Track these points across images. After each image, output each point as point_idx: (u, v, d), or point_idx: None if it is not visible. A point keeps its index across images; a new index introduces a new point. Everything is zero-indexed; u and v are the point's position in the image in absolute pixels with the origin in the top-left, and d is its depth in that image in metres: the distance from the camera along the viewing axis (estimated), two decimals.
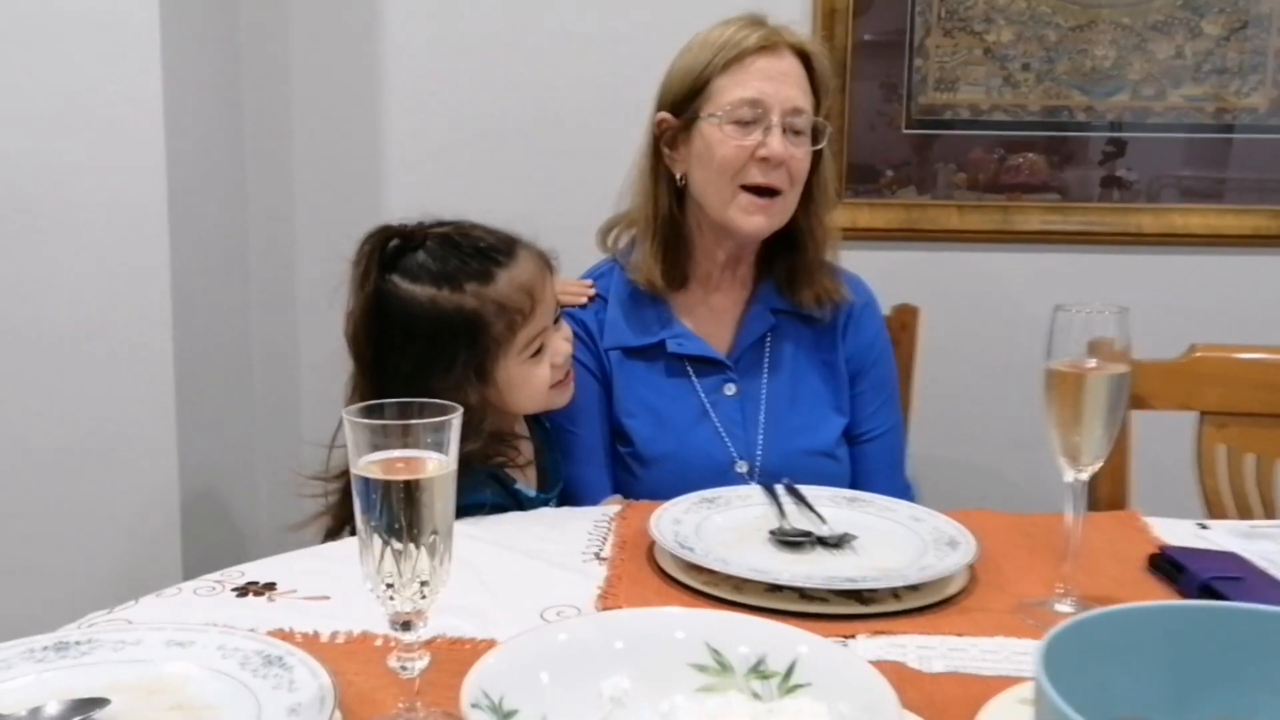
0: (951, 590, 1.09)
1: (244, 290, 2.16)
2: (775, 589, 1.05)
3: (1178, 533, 1.28)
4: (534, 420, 1.49)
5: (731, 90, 1.45)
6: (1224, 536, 1.27)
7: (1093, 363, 1.02)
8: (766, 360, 1.54)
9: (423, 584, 0.78)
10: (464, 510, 1.28)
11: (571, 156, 2.12)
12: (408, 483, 0.76)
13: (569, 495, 1.50)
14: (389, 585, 0.77)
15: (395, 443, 0.76)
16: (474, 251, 1.31)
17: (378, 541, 0.77)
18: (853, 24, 2.08)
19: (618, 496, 1.48)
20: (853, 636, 1.00)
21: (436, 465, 0.77)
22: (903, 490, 1.56)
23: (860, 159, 2.13)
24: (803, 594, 1.05)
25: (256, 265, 2.17)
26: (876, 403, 1.58)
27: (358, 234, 2.12)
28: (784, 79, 1.45)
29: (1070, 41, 2.09)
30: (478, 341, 1.29)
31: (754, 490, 1.31)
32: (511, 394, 1.35)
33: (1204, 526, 1.31)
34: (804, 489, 1.31)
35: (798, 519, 1.23)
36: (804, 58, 1.48)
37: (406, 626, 0.79)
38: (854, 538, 1.17)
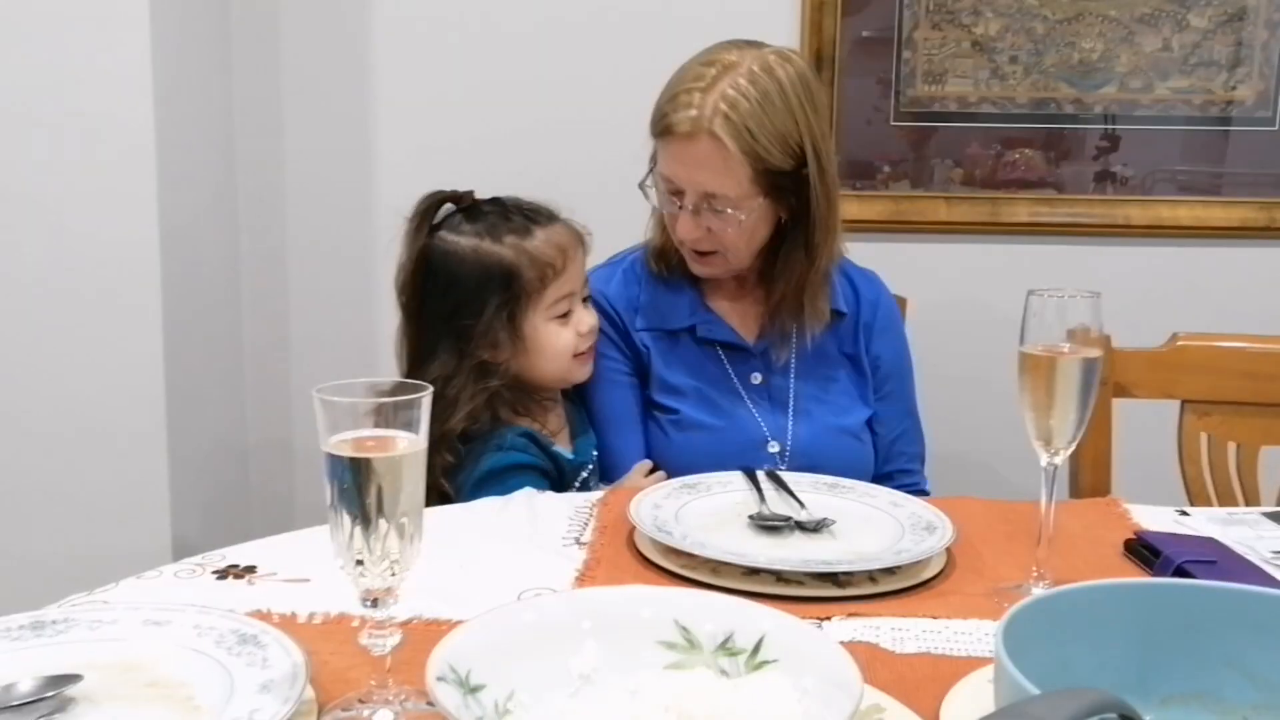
0: (928, 574, 1.10)
1: (235, 280, 2.16)
2: (752, 572, 1.05)
3: (1158, 519, 1.28)
4: (566, 397, 1.55)
5: (661, 158, 1.47)
6: (1203, 523, 1.28)
7: (1066, 347, 1.03)
8: (793, 352, 1.55)
9: (393, 562, 0.79)
10: (506, 471, 1.38)
11: (566, 152, 2.13)
12: (378, 460, 0.77)
13: (604, 466, 1.54)
14: (359, 562, 0.78)
15: (366, 421, 0.77)
16: (516, 210, 1.44)
17: (347, 519, 0.77)
18: (841, 18, 2.08)
19: (648, 462, 1.52)
20: (828, 619, 1.00)
21: (407, 444, 0.78)
22: (920, 475, 1.61)
23: (853, 153, 2.14)
24: (779, 577, 1.06)
25: (247, 257, 2.18)
26: (899, 400, 1.61)
27: (349, 227, 2.17)
28: (698, 166, 1.42)
29: (1058, 34, 2.09)
30: (510, 287, 1.39)
31: (735, 476, 1.31)
32: (537, 354, 1.44)
33: (1184, 513, 1.32)
34: (785, 475, 1.31)
35: (777, 504, 1.24)
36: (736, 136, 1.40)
37: (376, 604, 0.80)
38: (832, 522, 1.18)
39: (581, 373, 1.50)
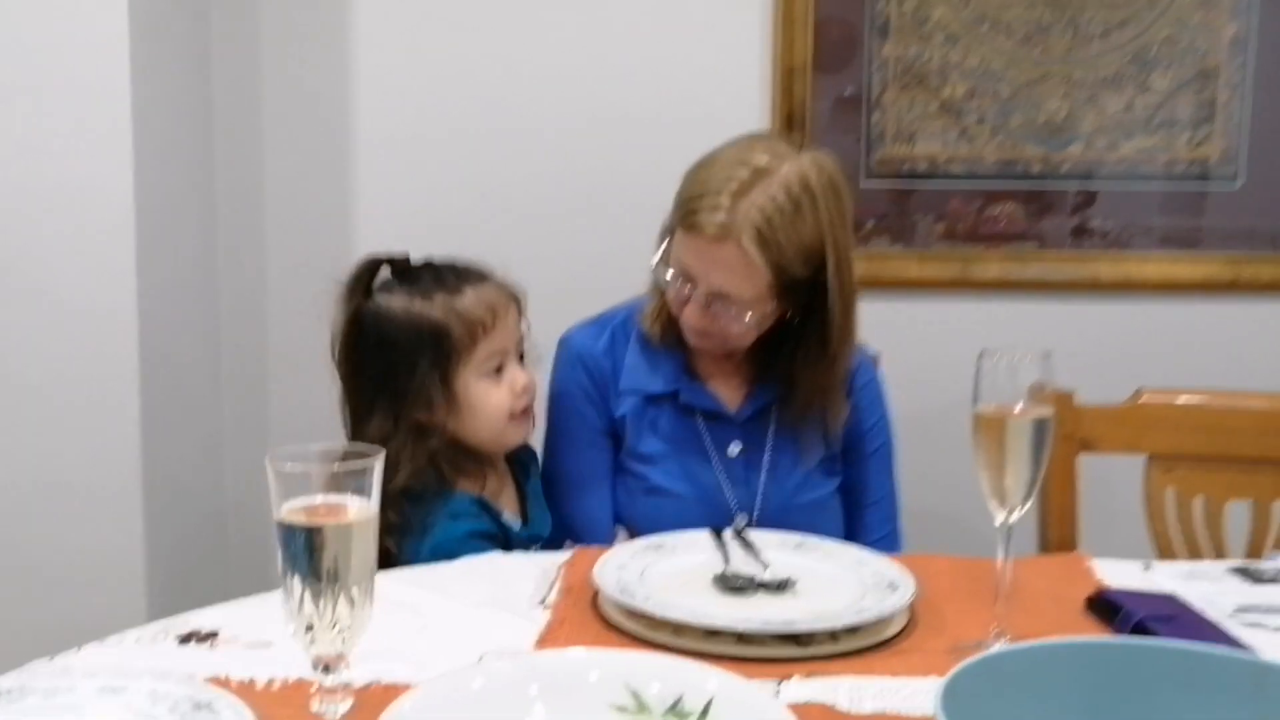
0: (889, 632, 1.10)
1: (213, 304, 2.17)
2: (714, 634, 1.06)
3: (1122, 574, 1.29)
4: (514, 463, 1.55)
5: (680, 246, 1.45)
6: (1166, 578, 1.29)
7: (1018, 407, 1.04)
8: (773, 425, 1.55)
9: (343, 628, 0.80)
10: (460, 543, 1.37)
11: (545, 164, 2.14)
12: (329, 528, 0.78)
13: (571, 527, 1.53)
14: (309, 628, 0.78)
15: (316, 487, 0.78)
16: (449, 270, 1.45)
17: (298, 585, 0.78)
18: (811, 81, 2.12)
19: (621, 529, 1.52)
20: (788, 678, 1.01)
21: (357, 510, 0.79)
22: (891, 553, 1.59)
23: None
24: (740, 637, 1.06)
25: (226, 279, 2.18)
26: (874, 471, 1.61)
27: (328, 244, 2.18)
28: (719, 268, 1.40)
29: (1023, 96, 2.14)
30: (440, 346, 1.40)
31: (701, 536, 1.32)
32: (471, 413, 1.43)
33: (1147, 567, 1.33)
34: (753, 534, 1.32)
35: (742, 564, 1.24)
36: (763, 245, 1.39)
37: (328, 669, 0.80)
38: (795, 582, 1.19)
39: (517, 435, 1.48)
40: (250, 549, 2.22)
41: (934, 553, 1.67)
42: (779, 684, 1.00)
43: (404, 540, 1.38)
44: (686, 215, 1.42)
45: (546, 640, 1.08)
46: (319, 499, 0.78)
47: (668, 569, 1.24)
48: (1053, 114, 2.14)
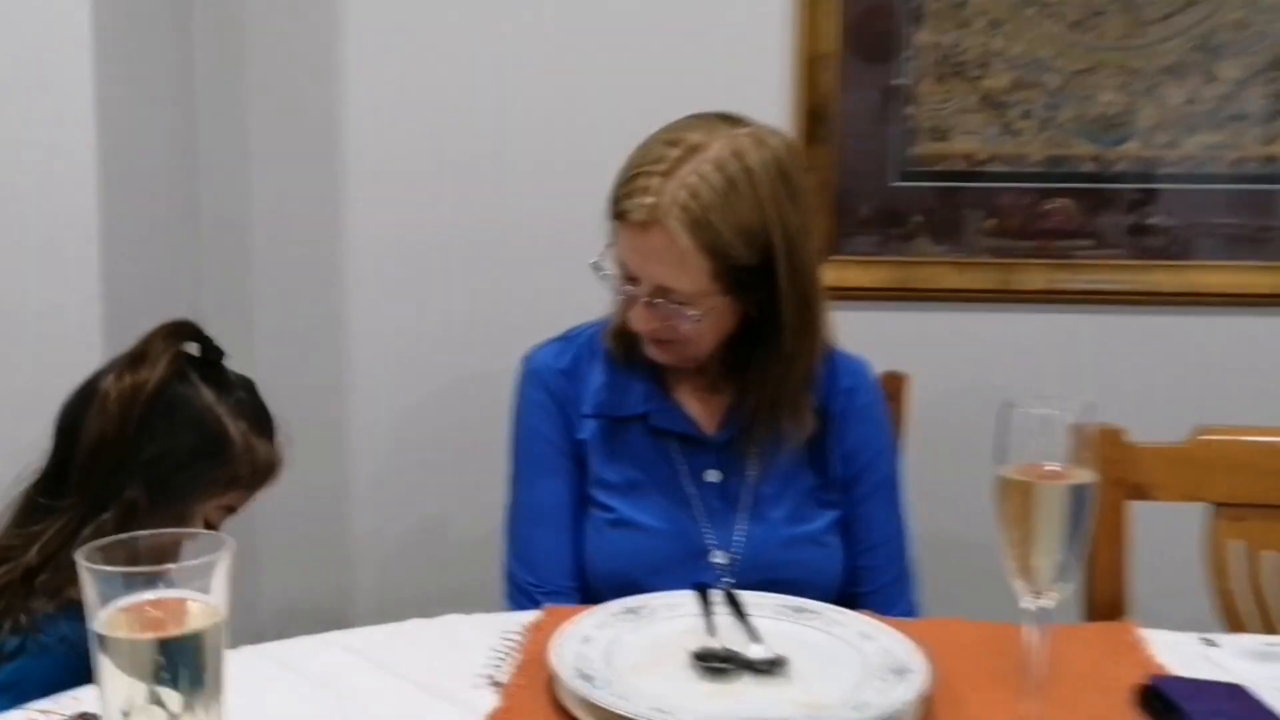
0: None
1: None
2: None
3: (1179, 651, 1.10)
4: None
5: (616, 241, 1.31)
6: (1233, 658, 1.10)
7: (1052, 467, 0.86)
8: (755, 446, 1.37)
9: None
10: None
11: (537, 163, 2.00)
12: (165, 640, 0.62)
13: (530, 564, 1.38)
14: None
15: (146, 586, 0.62)
16: (257, 405, 1.29)
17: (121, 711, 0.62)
18: (839, 71, 1.93)
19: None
20: None
21: (202, 612, 0.63)
22: (905, 599, 1.42)
23: (854, 215, 1.98)
24: None
25: (210, 290, 2.05)
26: (878, 506, 1.43)
27: (317, 243, 2.04)
28: (652, 259, 1.26)
29: (1074, 87, 1.93)
30: (218, 471, 1.23)
31: (686, 598, 1.15)
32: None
33: (1210, 642, 1.13)
34: (746, 595, 1.15)
35: (731, 634, 1.07)
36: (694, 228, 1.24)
37: None
38: (787, 662, 1.01)
39: None
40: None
41: (964, 600, 1.49)
42: None
43: None
44: (616, 203, 1.28)
45: None
46: (149, 596, 0.62)
47: (642, 640, 1.07)
48: (1107, 107, 1.93)
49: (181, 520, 1.20)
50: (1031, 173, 1.96)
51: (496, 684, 1.01)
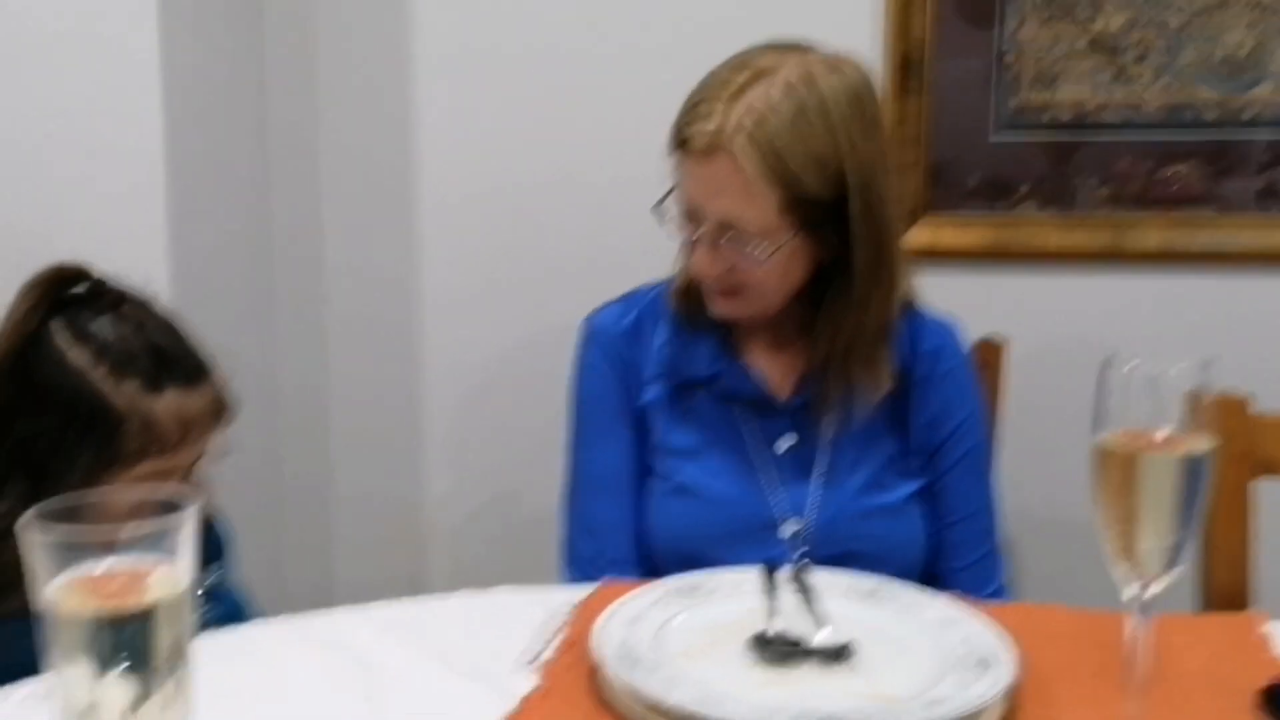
0: None
1: (268, 287, 2.01)
2: None
3: None
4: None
5: (679, 177, 1.22)
6: None
7: (1162, 434, 0.74)
8: (830, 409, 1.28)
9: None
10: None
11: (609, 122, 1.90)
12: (123, 615, 0.55)
13: (587, 528, 1.32)
14: None
15: (99, 552, 0.55)
16: (156, 350, 1.09)
17: (85, 690, 0.56)
18: (932, 13, 1.80)
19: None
20: None
21: (163, 581, 0.56)
22: (994, 579, 1.31)
23: (948, 171, 1.85)
24: None
25: (283, 296, 2.02)
26: (965, 478, 1.32)
27: (387, 244, 1.99)
28: (716, 190, 1.18)
29: (1196, 27, 1.76)
30: (106, 443, 1.05)
31: (749, 577, 1.05)
32: None
33: None
34: (816, 574, 1.05)
35: (794, 618, 0.97)
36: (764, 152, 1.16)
37: None
38: (854, 652, 0.91)
39: None
40: (306, 541, 2.07)
41: (1059, 585, 1.37)
42: None
43: None
44: (676, 133, 1.20)
45: None
46: (104, 563, 0.55)
47: (698, 621, 0.98)
48: (1234, 49, 1.76)
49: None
50: (1148, 123, 1.80)
51: (539, 664, 0.94)
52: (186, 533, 0.56)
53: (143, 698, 0.56)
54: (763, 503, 1.26)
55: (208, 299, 1.74)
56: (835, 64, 1.20)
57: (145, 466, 1.07)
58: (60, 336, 1.07)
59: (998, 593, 1.30)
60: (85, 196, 1.65)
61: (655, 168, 1.86)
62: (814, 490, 1.27)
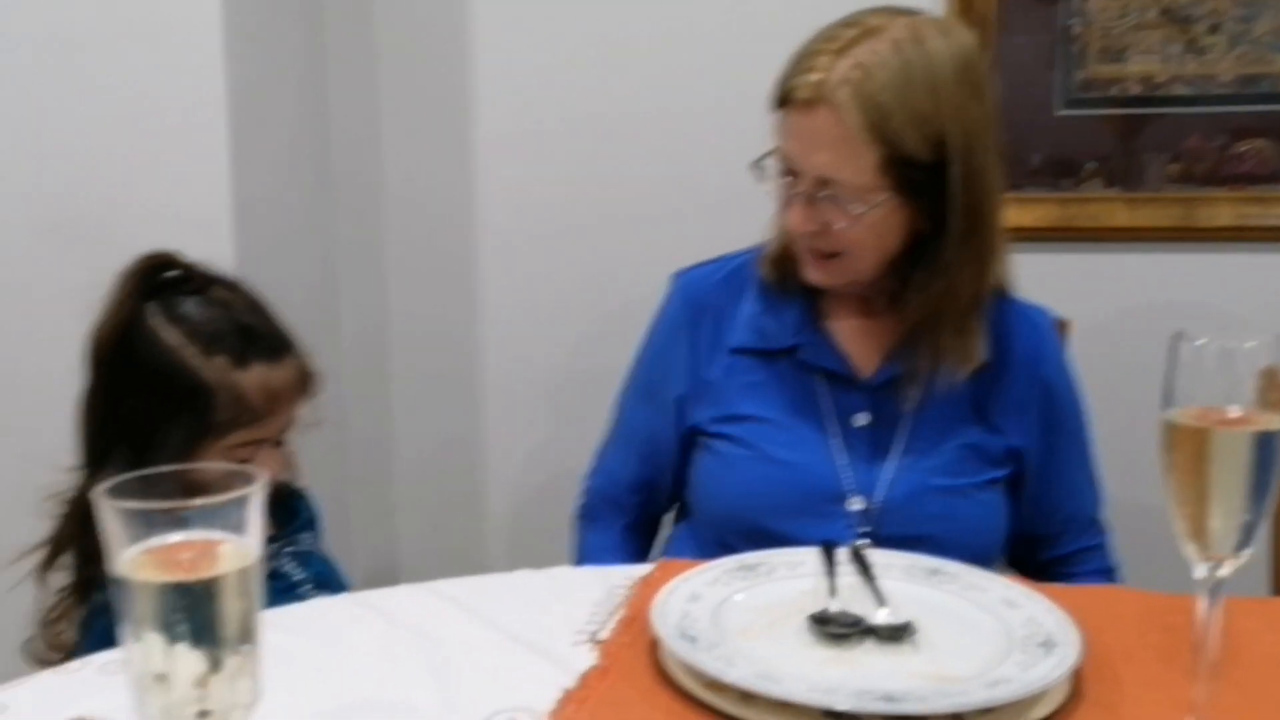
0: (1038, 714, 0.81)
1: (329, 261, 2.03)
2: (789, 705, 0.80)
3: None
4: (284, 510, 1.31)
5: (779, 132, 1.22)
6: None
7: (1234, 412, 0.72)
8: (913, 386, 1.27)
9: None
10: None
11: (670, 111, 1.90)
12: (193, 587, 0.56)
13: (600, 466, 1.45)
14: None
15: (172, 526, 0.57)
16: (242, 328, 1.18)
17: (158, 660, 0.57)
18: None
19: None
20: None
21: (233, 554, 0.57)
22: (1101, 562, 1.34)
23: (1011, 147, 1.81)
24: (827, 714, 0.80)
25: (343, 247, 2.04)
26: (1065, 466, 1.32)
27: (449, 233, 2.01)
28: (816, 143, 1.17)
29: None
30: (200, 416, 1.13)
31: (809, 555, 1.05)
32: None
33: None
34: (876, 554, 1.04)
35: (855, 597, 0.97)
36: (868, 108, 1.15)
37: None
38: (915, 631, 0.90)
39: None
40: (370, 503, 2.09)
41: (1127, 567, 1.35)
42: None
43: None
44: (782, 85, 1.20)
45: (572, 701, 0.84)
46: (177, 537, 0.57)
47: (756, 600, 0.98)
48: None
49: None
50: (1220, 96, 1.75)
51: (597, 641, 0.94)
52: (256, 507, 0.57)
53: (212, 669, 0.57)
54: (833, 475, 1.25)
55: (269, 247, 1.78)
56: (945, 27, 1.20)
57: (236, 436, 1.15)
58: (154, 319, 1.16)
59: (1106, 572, 1.32)
60: (149, 143, 1.68)
61: (718, 100, 1.85)
62: (888, 467, 1.25)
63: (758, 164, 1.24)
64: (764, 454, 1.27)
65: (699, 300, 1.35)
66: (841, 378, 1.28)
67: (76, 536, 1.15)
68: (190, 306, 1.17)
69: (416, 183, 2.03)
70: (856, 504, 1.24)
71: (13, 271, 1.74)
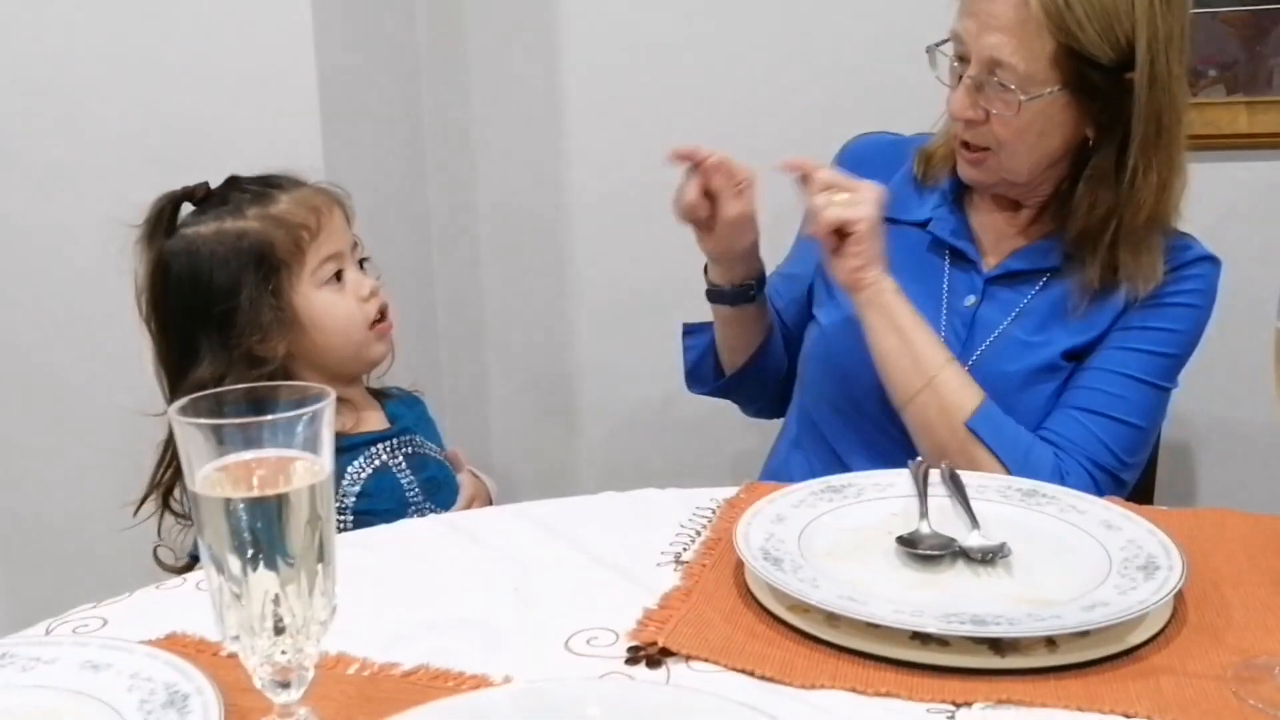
0: (1135, 640, 0.78)
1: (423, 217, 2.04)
2: (877, 627, 0.78)
3: None
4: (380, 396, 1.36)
5: (956, 12, 1.21)
6: None
7: None
8: (1028, 299, 1.27)
9: (320, 623, 0.59)
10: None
11: (755, 95, 1.89)
12: (267, 502, 0.57)
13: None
14: (279, 629, 0.58)
15: (245, 443, 0.57)
16: (254, 181, 1.25)
17: (234, 576, 0.58)
18: None
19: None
20: (967, 704, 0.72)
21: (306, 470, 0.57)
22: (1080, 443, 1.23)
23: None
24: (915, 637, 0.78)
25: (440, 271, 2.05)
26: (1126, 338, 1.25)
27: (537, 148, 2.00)
28: (990, 24, 1.15)
29: None
30: (265, 259, 1.20)
31: (898, 477, 1.02)
32: (318, 330, 1.24)
33: None
34: (967, 476, 1.01)
35: (946, 519, 0.94)
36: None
37: (285, 685, 0.60)
38: (1008, 553, 0.88)
39: (380, 348, 1.28)
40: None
41: (1238, 491, 1.29)
42: (953, 712, 0.71)
43: None
44: None
45: (651, 621, 0.83)
46: (250, 455, 0.57)
47: (844, 522, 0.96)
48: None
49: (296, 320, 1.21)
50: None
51: (681, 562, 0.94)
52: (328, 424, 0.57)
53: (286, 584, 0.57)
54: None
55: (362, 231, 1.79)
56: None
57: (311, 259, 1.22)
58: (184, 234, 1.23)
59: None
60: (242, 133, 1.70)
61: (804, 70, 1.81)
62: (976, 353, 1.27)
63: (932, 49, 1.23)
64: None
65: (861, 157, 1.37)
66: (965, 259, 1.29)
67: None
68: (205, 208, 1.24)
69: (507, 166, 2.03)
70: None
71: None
